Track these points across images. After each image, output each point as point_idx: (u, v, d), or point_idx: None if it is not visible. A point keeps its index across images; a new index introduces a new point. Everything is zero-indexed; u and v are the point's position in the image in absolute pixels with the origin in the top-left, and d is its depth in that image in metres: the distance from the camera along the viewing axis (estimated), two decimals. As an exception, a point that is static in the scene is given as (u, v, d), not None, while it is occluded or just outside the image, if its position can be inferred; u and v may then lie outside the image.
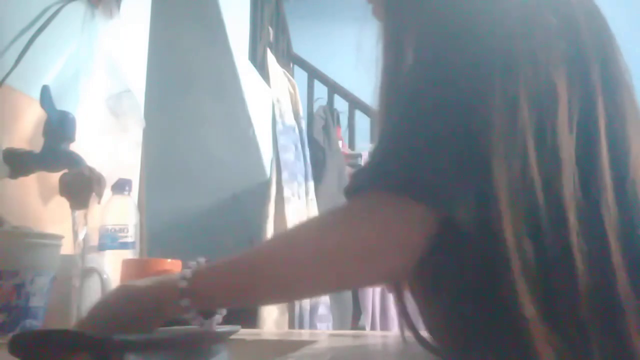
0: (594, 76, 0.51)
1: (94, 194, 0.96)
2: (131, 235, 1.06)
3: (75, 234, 0.88)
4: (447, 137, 0.47)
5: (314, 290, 0.52)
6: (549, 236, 0.46)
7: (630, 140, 0.51)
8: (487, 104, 0.47)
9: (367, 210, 0.49)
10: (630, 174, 0.49)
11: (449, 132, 0.47)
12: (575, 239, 0.46)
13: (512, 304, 0.45)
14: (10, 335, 0.48)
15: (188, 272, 0.55)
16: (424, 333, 0.60)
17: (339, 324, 2.64)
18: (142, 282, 0.59)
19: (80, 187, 0.94)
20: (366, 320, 2.71)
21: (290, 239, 0.56)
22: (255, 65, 2.64)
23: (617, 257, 0.46)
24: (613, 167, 0.48)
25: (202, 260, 0.58)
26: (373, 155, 0.51)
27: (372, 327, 2.69)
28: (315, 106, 3.40)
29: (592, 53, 0.52)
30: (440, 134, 0.48)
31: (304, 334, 1.26)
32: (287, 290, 0.56)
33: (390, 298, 2.73)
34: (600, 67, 0.51)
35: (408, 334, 0.62)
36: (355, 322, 2.76)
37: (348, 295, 2.77)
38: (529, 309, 0.44)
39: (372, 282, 0.51)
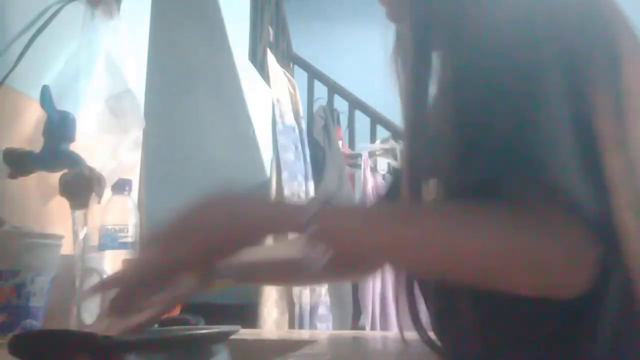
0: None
1: (94, 194, 0.96)
2: (131, 235, 1.05)
3: (75, 234, 0.88)
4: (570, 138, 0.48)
5: (481, 282, 0.50)
6: None
7: None
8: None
9: (555, 224, 0.47)
10: None
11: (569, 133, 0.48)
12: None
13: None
14: (10, 335, 0.48)
15: (315, 205, 0.52)
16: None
17: (339, 324, 2.64)
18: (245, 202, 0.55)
19: (80, 187, 0.94)
20: (366, 320, 2.71)
21: (476, 226, 0.51)
22: (255, 65, 2.64)
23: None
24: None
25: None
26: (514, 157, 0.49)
27: (372, 327, 2.69)
28: (315, 106, 3.40)
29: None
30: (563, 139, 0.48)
31: (304, 334, 1.26)
32: (452, 271, 0.51)
33: (391, 298, 2.73)
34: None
35: (407, 334, 0.62)
36: (355, 322, 2.76)
37: (348, 295, 2.77)
38: None
39: (541, 294, 0.49)
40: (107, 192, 1.03)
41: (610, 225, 0.46)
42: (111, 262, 1.01)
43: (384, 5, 0.65)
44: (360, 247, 0.54)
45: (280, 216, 0.54)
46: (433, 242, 0.51)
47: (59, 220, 1.01)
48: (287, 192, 2.53)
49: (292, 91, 3.08)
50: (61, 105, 1.02)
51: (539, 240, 0.48)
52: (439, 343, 0.60)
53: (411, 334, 0.64)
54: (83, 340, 0.47)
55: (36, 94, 0.96)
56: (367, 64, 2.39)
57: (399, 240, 0.52)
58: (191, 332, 0.62)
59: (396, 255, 0.54)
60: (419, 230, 0.51)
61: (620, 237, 0.45)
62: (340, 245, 0.53)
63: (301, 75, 3.48)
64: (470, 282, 0.51)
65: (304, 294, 2.50)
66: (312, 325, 2.47)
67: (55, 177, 0.97)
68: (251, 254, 0.55)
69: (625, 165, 0.47)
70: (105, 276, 0.88)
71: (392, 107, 0.68)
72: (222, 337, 0.63)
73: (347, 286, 2.78)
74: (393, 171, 2.95)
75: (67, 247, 0.84)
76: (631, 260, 0.46)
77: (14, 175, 0.91)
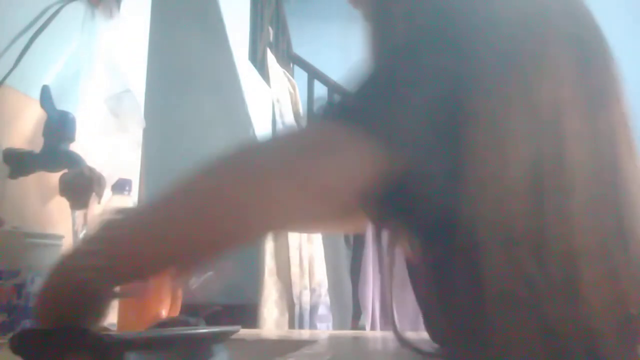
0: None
1: (94, 194, 0.96)
2: (131, 235, 1.05)
3: (75, 234, 0.88)
4: (432, 96, 0.46)
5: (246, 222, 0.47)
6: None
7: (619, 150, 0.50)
8: (480, 79, 0.47)
9: (319, 137, 0.47)
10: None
11: (435, 92, 0.46)
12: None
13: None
14: (11, 334, 0.48)
15: (98, 231, 0.50)
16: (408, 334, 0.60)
17: (339, 324, 2.64)
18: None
19: (80, 187, 0.94)
20: (366, 320, 2.71)
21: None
22: (255, 65, 2.64)
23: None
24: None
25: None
26: (349, 92, 0.50)
27: (372, 327, 2.69)
28: (315, 106, 3.40)
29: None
30: (428, 92, 0.46)
31: (304, 334, 1.26)
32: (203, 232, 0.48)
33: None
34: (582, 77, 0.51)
35: (406, 334, 0.62)
36: (355, 322, 2.76)
37: (348, 295, 2.77)
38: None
39: (313, 208, 0.47)
40: (107, 192, 1.03)
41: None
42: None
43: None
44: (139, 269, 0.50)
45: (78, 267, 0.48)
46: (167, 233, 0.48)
47: (59, 220, 1.01)
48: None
49: (292, 91, 3.08)
50: (61, 105, 1.02)
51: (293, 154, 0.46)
52: (416, 343, 0.60)
53: (409, 335, 0.64)
54: (84, 339, 0.47)
55: (36, 94, 0.96)
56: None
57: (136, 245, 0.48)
58: (191, 332, 0.62)
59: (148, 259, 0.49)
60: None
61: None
62: (127, 277, 0.50)
63: (301, 75, 3.48)
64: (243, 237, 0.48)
65: (304, 293, 2.50)
66: (312, 325, 2.47)
67: (55, 177, 0.97)
68: None
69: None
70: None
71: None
72: (222, 337, 0.63)
73: (347, 286, 2.78)
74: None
75: (67, 247, 0.84)
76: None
77: (14, 175, 0.91)
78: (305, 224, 0.52)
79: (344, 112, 0.47)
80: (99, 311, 0.50)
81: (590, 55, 0.52)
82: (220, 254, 0.50)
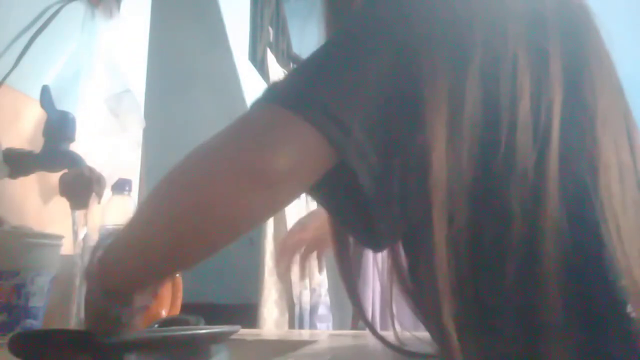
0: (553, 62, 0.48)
1: (94, 194, 0.96)
2: (131, 235, 1.05)
3: (75, 234, 0.88)
4: (379, 81, 0.44)
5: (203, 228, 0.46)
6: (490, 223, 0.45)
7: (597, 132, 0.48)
8: (433, 60, 0.45)
9: (259, 123, 0.46)
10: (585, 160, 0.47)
11: (383, 76, 0.45)
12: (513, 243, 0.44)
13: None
14: (11, 335, 0.48)
15: (98, 256, 0.51)
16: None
17: (339, 324, 2.64)
18: None
19: (80, 187, 0.94)
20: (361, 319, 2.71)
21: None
22: (255, 65, 2.64)
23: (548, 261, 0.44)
24: (566, 163, 0.46)
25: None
26: (293, 71, 0.49)
27: (366, 326, 2.69)
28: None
29: (558, 44, 0.49)
30: (373, 75, 0.44)
31: (304, 334, 1.26)
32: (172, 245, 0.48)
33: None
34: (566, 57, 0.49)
35: (405, 334, 0.62)
36: (355, 322, 2.75)
37: (348, 295, 2.77)
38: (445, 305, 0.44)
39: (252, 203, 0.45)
40: (107, 192, 1.03)
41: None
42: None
43: None
44: (136, 285, 0.50)
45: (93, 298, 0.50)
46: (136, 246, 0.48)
47: (59, 220, 1.01)
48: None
49: (292, 91, 3.08)
50: (61, 105, 1.02)
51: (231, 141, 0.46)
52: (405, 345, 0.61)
53: (408, 335, 0.64)
54: (83, 340, 0.47)
55: (36, 94, 0.96)
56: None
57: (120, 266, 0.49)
58: (191, 332, 0.62)
59: (133, 276, 0.50)
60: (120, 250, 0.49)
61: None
62: (128, 292, 0.50)
63: (301, 75, 3.48)
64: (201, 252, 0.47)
65: (304, 293, 2.50)
66: (312, 325, 2.47)
67: (55, 177, 0.97)
68: None
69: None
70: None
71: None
72: (222, 337, 0.63)
73: (347, 286, 2.78)
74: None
75: (67, 247, 0.84)
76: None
77: (14, 175, 0.91)
78: (265, 215, 0.51)
79: (287, 96, 0.45)
80: (118, 325, 0.51)
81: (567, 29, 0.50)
82: (194, 257, 0.50)
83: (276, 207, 0.48)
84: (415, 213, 0.45)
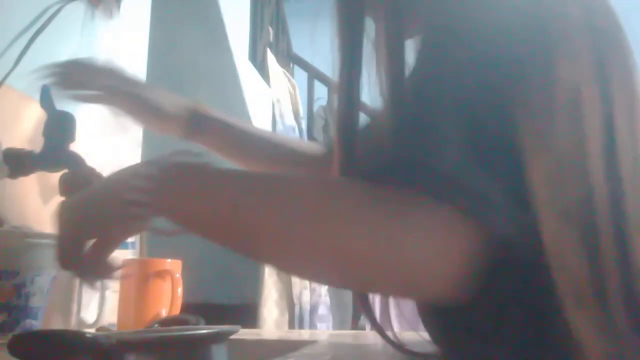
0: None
1: (94, 194, 0.95)
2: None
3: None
4: (486, 137, 0.42)
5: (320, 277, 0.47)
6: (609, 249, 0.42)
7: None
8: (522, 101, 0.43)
9: (409, 213, 0.41)
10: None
11: (489, 132, 0.42)
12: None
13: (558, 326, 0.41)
14: (10, 335, 0.48)
15: (154, 170, 0.49)
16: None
17: (339, 324, 2.64)
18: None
19: (80, 187, 0.93)
20: (365, 319, 2.71)
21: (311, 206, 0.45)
22: (255, 65, 2.64)
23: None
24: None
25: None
26: (402, 142, 0.43)
27: (371, 326, 2.69)
28: (315, 106, 3.40)
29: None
30: (480, 134, 0.41)
31: (304, 334, 1.26)
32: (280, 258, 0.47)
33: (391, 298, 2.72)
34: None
35: (406, 334, 0.62)
36: (355, 322, 2.76)
37: (348, 295, 2.77)
38: (584, 333, 0.40)
39: (403, 294, 0.46)
40: (107, 192, 1.03)
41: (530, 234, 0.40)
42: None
43: None
44: (182, 216, 0.48)
45: (127, 194, 0.48)
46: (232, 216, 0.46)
47: (59, 220, 1.01)
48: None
49: (292, 91, 3.08)
50: (61, 105, 1.02)
51: (389, 224, 0.41)
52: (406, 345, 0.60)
53: (408, 335, 0.64)
54: (83, 341, 0.47)
55: (36, 94, 0.95)
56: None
57: (204, 213, 0.47)
58: (191, 332, 0.62)
59: (203, 226, 0.48)
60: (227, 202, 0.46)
61: (544, 244, 0.41)
62: (171, 213, 0.48)
63: (301, 75, 3.48)
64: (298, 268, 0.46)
65: (304, 294, 2.50)
66: (312, 325, 2.47)
67: (55, 177, 0.97)
68: None
69: (550, 169, 0.42)
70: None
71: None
72: (222, 337, 0.63)
73: (347, 286, 2.78)
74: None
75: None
76: (556, 271, 0.41)
77: (14, 175, 0.91)
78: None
79: (433, 178, 0.40)
80: (124, 231, 0.51)
81: (606, 46, 0.49)
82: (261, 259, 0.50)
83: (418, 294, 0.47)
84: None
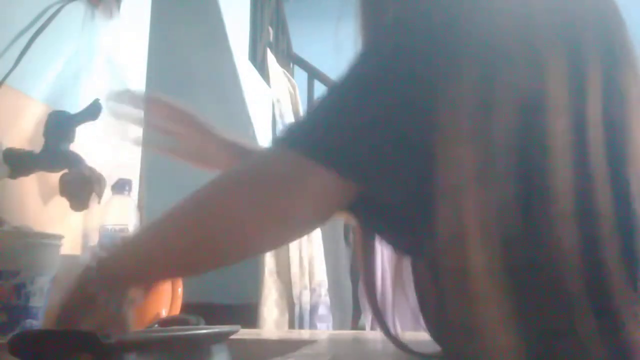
0: (589, 63, 0.48)
1: (94, 194, 0.96)
2: (131, 235, 1.05)
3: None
4: (386, 120, 0.48)
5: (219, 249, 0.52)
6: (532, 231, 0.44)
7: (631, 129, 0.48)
8: (452, 96, 0.46)
9: (282, 169, 0.50)
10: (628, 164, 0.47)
11: (389, 117, 0.48)
12: (565, 232, 0.44)
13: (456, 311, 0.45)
14: (10, 335, 0.48)
15: (93, 263, 0.54)
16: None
17: (339, 324, 2.64)
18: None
19: (80, 187, 0.94)
20: (366, 320, 2.71)
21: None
22: (255, 65, 2.64)
23: (611, 252, 0.44)
24: (609, 155, 0.46)
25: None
26: (313, 111, 0.53)
27: (372, 327, 2.69)
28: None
29: (590, 43, 0.49)
30: (384, 115, 0.48)
31: (304, 334, 1.26)
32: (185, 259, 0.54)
33: (390, 298, 2.72)
34: (601, 53, 0.49)
35: (407, 334, 0.63)
36: (355, 322, 2.76)
37: (348, 295, 2.77)
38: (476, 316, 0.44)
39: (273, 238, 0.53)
40: (107, 192, 1.03)
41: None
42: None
43: None
44: (136, 278, 0.55)
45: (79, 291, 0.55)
46: (157, 249, 0.53)
47: (59, 220, 1.01)
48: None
49: (292, 91, 3.08)
50: (61, 105, 1.02)
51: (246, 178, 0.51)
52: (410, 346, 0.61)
53: (409, 335, 0.64)
54: (83, 340, 0.47)
55: (36, 94, 0.96)
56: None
57: (143, 261, 0.54)
58: (191, 332, 0.62)
59: (152, 273, 0.56)
60: (147, 242, 0.54)
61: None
62: (125, 284, 0.54)
63: (301, 75, 3.48)
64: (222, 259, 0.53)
65: (304, 293, 2.50)
66: (312, 325, 2.47)
67: (55, 177, 0.97)
68: None
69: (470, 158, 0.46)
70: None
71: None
72: (222, 337, 0.63)
73: (347, 286, 2.78)
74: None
75: (67, 247, 0.84)
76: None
77: (14, 175, 0.91)
78: (278, 244, 0.60)
79: (305, 142, 0.49)
80: (98, 315, 0.55)
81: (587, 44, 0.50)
82: (197, 272, 0.57)
83: (290, 240, 0.59)
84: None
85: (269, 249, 0.60)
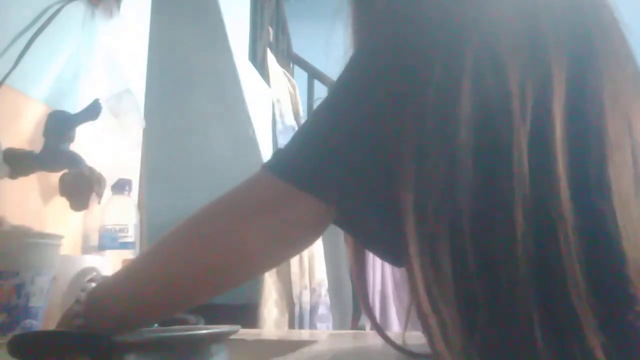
0: (554, 59, 0.48)
1: (94, 194, 0.96)
2: (131, 235, 1.06)
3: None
4: (355, 143, 0.50)
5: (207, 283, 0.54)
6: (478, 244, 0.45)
7: (606, 129, 0.47)
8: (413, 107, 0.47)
9: (259, 192, 0.53)
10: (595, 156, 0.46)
11: (358, 140, 0.50)
12: (520, 246, 0.43)
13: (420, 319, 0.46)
14: (10, 335, 0.48)
15: (83, 295, 0.55)
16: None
17: (339, 324, 2.64)
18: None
19: (80, 187, 0.94)
20: (366, 320, 2.71)
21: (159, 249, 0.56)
22: (255, 65, 2.64)
23: (568, 258, 0.43)
24: (574, 160, 0.45)
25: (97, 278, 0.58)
26: (294, 137, 0.54)
27: (372, 327, 2.69)
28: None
29: (556, 35, 0.49)
30: (350, 136, 0.50)
31: (304, 334, 1.26)
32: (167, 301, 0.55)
33: (391, 297, 2.73)
34: (569, 48, 0.48)
35: (408, 334, 0.63)
36: (355, 322, 2.76)
37: (348, 295, 2.77)
38: (430, 325, 0.45)
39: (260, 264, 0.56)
40: (107, 192, 1.03)
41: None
42: (111, 262, 1.01)
43: None
44: (118, 321, 0.55)
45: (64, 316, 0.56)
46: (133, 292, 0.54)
47: (59, 220, 1.01)
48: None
49: (292, 91, 3.08)
50: (61, 105, 1.02)
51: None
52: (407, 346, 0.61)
53: (409, 335, 0.64)
54: (83, 341, 0.47)
55: (36, 94, 0.96)
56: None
57: (123, 303, 0.54)
58: (191, 332, 0.62)
59: (136, 315, 0.55)
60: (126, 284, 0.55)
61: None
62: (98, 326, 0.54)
63: (301, 75, 3.48)
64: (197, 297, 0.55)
65: (304, 294, 2.50)
66: (312, 325, 2.47)
67: (55, 177, 0.97)
68: None
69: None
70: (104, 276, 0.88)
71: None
72: (222, 337, 0.63)
73: (347, 286, 2.78)
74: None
75: (67, 247, 0.84)
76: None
77: (14, 175, 0.91)
78: (273, 265, 0.60)
79: (287, 169, 0.52)
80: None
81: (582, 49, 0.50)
82: (188, 304, 0.57)
83: (285, 259, 0.58)
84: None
85: (264, 271, 0.61)
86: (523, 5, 0.50)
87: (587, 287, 0.42)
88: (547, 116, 0.46)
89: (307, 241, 0.55)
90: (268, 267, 0.60)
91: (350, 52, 0.62)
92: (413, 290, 0.47)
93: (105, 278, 0.59)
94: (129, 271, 0.57)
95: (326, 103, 0.54)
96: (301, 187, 0.50)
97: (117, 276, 0.58)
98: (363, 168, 0.49)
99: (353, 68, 0.54)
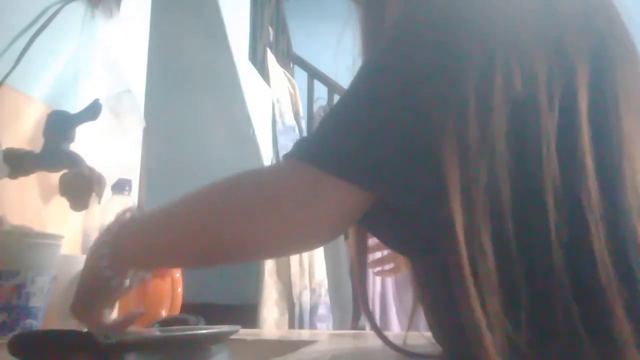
0: (578, 62, 0.49)
1: (94, 194, 0.96)
2: (131, 235, 1.05)
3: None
4: (395, 127, 0.48)
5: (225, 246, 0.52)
6: (518, 235, 0.45)
7: (622, 125, 0.48)
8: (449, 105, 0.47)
9: (291, 181, 0.50)
10: (617, 158, 0.47)
11: (398, 124, 0.48)
12: (554, 234, 0.44)
13: (463, 309, 0.44)
14: (10, 335, 0.48)
15: (115, 226, 0.56)
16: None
17: (339, 324, 2.64)
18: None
19: (80, 187, 0.94)
20: (366, 320, 2.71)
21: (207, 193, 0.55)
22: (255, 65, 2.64)
23: (598, 245, 0.44)
24: (597, 152, 0.47)
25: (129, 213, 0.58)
26: (321, 125, 0.52)
27: (371, 328, 2.69)
28: (315, 106, 3.40)
29: (578, 39, 0.50)
30: (390, 124, 0.48)
31: (304, 334, 1.26)
32: (200, 248, 0.54)
33: (391, 298, 2.73)
34: (591, 56, 0.49)
35: (409, 334, 0.63)
36: (355, 322, 2.76)
37: (348, 295, 2.77)
38: (476, 313, 0.44)
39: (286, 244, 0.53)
40: (107, 192, 1.03)
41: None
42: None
43: None
44: (136, 261, 0.56)
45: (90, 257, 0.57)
46: (167, 227, 0.54)
47: (59, 220, 1.01)
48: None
49: (292, 91, 3.08)
50: (61, 105, 1.02)
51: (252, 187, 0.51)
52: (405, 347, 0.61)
53: (413, 335, 0.64)
54: (83, 340, 0.47)
55: (36, 94, 0.96)
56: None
57: (144, 247, 0.55)
58: (191, 332, 0.62)
59: (155, 259, 0.57)
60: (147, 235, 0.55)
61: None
62: (130, 264, 0.56)
63: (301, 75, 3.48)
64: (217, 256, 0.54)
65: (304, 294, 2.50)
66: (312, 325, 2.48)
67: (55, 177, 0.97)
68: None
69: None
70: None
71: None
72: (222, 337, 0.63)
73: (347, 286, 2.78)
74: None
75: (67, 247, 0.84)
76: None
77: (14, 175, 0.91)
78: (295, 252, 0.61)
79: (319, 154, 0.49)
80: (112, 296, 0.57)
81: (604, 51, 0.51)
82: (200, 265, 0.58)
83: (309, 249, 0.57)
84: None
85: (281, 257, 0.60)
86: (543, 3, 0.51)
87: (615, 274, 0.44)
88: (573, 108, 0.47)
89: (333, 234, 0.52)
90: (288, 254, 0.60)
91: (357, 51, 0.62)
92: (458, 282, 0.45)
93: (141, 212, 0.60)
94: (163, 211, 0.56)
95: (356, 89, 0.52)
96: (336, 172, 0.47)
97: (152, 212, 0.57)
98: (403, 152, 0.47)
99: (388, 51, 0.52)
